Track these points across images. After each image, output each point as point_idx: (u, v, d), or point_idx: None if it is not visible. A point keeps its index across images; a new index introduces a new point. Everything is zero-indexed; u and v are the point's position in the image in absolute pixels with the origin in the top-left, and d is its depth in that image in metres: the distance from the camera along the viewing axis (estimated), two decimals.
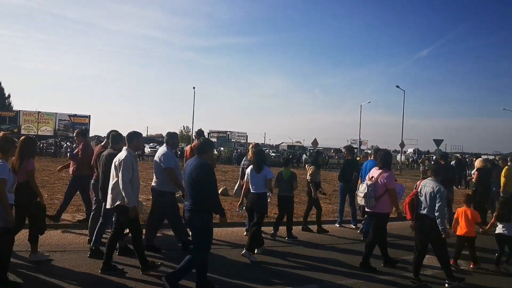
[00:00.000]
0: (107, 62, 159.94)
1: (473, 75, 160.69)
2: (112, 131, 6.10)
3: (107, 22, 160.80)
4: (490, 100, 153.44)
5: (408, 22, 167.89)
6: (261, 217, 6.26)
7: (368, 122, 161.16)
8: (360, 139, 55.98)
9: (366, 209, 6.14)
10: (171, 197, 6.23)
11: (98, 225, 5.73)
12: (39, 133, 45.47)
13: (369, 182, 5.91)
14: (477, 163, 10.26)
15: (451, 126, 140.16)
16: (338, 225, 8.79)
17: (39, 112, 47.54)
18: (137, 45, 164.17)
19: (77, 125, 49.10)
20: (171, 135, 6.57)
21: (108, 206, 5.12)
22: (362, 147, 57.97)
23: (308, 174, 8.33)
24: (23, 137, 5.38)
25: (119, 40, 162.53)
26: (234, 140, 65.13)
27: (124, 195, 4.83)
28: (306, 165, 8.48)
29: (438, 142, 28.68)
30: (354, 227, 8.67)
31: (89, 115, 50.68)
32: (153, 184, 6.31)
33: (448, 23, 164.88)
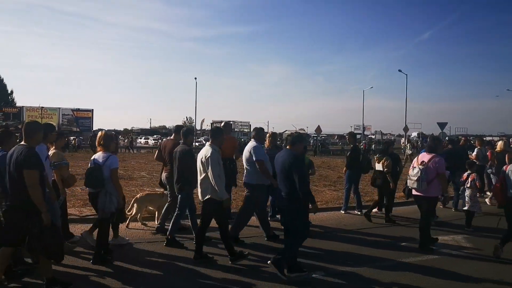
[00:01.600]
0: (108, 55, 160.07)
1: (476, 57, 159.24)
2: (178, 125, 6.62)
3: (106, 15, 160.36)
4: (493, 81, 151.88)
5: (408, 5, 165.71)
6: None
7: (371, 107, 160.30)
8: (363, 124, 55.74)
9: (414, 193, 6.28)
10: (265, 189, 6.51)
11: (174, 216, 6.09)
12: None
13: (421, 167, 6.12)
14: (499, 146, 10.55)
15: (455, 109, 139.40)
16: (343, 212, 8.87)
17: (42, 107, 47.71)
18: (137, 37, 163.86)
19: (80, 119, 49.31)
20: (258, 130, 6.85)
21: (200, 199, 5.44)
22: (366, 133, 57.78)
23: (382, 166, 8.05)
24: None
25: (119, 32, 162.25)
26: (238, 130, 65.14)
27: (216, 189, 5.14)
28: (375, 156, 8.43)
29: (442, 125, 28.53)
30: (359, 213, 8.70)
31: (92, 109, 50.86)
32: (245, 179, 6.57)
33: (449, 5, 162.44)
